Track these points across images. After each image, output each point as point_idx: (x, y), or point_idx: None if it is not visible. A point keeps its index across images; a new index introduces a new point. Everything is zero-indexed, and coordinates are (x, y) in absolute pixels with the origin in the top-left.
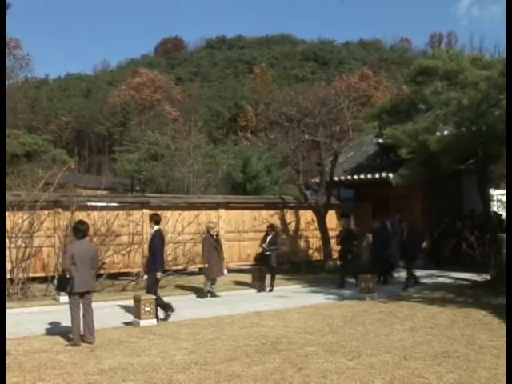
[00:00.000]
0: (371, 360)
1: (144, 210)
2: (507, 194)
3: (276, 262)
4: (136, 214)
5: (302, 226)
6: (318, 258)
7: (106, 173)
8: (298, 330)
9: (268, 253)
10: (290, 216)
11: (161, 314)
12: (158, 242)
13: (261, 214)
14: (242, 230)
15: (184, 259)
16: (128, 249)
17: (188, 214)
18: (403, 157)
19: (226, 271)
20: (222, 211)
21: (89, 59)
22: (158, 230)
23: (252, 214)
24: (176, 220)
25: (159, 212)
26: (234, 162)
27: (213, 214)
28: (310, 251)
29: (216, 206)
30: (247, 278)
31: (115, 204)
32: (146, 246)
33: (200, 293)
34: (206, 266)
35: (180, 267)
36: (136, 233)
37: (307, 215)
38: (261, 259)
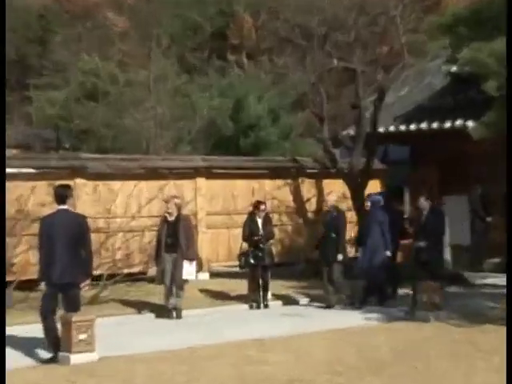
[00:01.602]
0: None
1: (77, 180)
2: (507, 192)
3: (272, 260)
4: None
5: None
6: (352, 254)
7: (16, 121)
8: (320, 369)
9: (262, 245)
10: (308, 188)
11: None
12: (41, 232)
13: (263, 185)
14: (232, 210)
15: (142, 257)
16: None
17: (148, 186)
18: (490, 94)
19: (194, 275)
20: (200, 181)
21: None
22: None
23: (249, 186)
24: (129, 195)
25: (101, 183)
26: (221, 103)
27: (187, 185)
28: None
29: (192, 174)
30: (241, 286)
31: (31, 170)
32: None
33: (162, 310)
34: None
35: (135, 270)
36: None
37: (335, 187)
38: (254, 257)
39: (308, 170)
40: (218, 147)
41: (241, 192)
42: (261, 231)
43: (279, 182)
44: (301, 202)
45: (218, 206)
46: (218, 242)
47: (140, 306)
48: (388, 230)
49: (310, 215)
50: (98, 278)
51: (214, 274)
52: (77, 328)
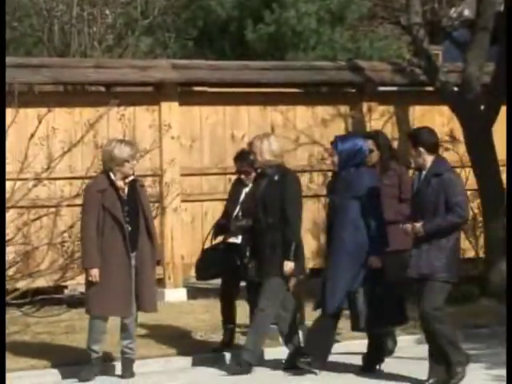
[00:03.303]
0: None
1: None
2: (507, 192)
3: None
4: None
5: None
6: (471, 255)
7: None
8: None
9: (238, 239)
10: (381, 124)
11: None
12: None
13: (291, 116)
14: (233, 166)
15: (54, 258)
16: None
17: (65, 119)
18: None
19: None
20: (170, 109)
21: None
22: None
23: (264, 119)
24: (28, 138)
25: None
26: None
27: (142, 116)
28: None
29: (153, 94)
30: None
31: None
32: None
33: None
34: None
35: (41, 283)
36: None
37: (435, 119)
38: (223, 263)
39: (381, 88)
40: (204, 42)
41: (249, 130)
42: (237, 209)
43: (323, 110)
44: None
45: (205, 158)
46: (206, 229)
47: (47, 355)
48: (378, 215)
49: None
50: None
51: (197, 291)
52: None
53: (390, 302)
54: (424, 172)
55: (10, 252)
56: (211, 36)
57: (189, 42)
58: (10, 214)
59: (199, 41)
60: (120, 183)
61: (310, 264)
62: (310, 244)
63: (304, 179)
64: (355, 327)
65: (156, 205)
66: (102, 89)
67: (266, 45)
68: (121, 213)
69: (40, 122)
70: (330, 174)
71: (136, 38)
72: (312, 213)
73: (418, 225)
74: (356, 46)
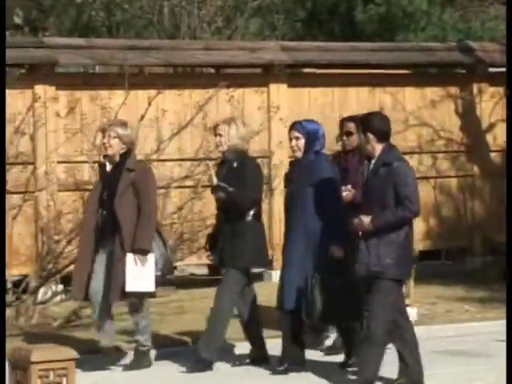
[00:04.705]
0: None
1: (38, 87)
2: (507, 191)
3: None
4: (17, 100)
5: None
6: None
7: None
8: None
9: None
10: (491, 105)
11: None
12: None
13: (400, 97)
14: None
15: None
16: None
17: (174, 101)
18: None
19: (152, 283)
20: (278, 90)
21: None
22: None
23: (373, 100)
24: (140, 119)
25: (83, 93)
26: None
27: (251, 98)
28: None
29: (261, 76)
30: None
31: None
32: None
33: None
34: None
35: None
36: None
37: None
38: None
39: (492, 70)
40: (312, 24)
41: (357, 112)
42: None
43: (433, 91)
44: (478, 133)
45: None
46: None
47: (156, 336)
48: (337, 204)
49: (497, 158)
50: None
51: None
52: (41, 376)
53: (349, 295)
54: (373, 161)
55: None
56: (320, 17)
57: (298, 23)
58: None
59: (308, 22)
60: (109, 167)
61: (419, 246)
62: (420, 226)
63: (413, 161)
64: (308, 317)
65: (264, 187)
66: (212, 70)
67: (375, 26)
68: (96, 196)
69: (150, 104)
70: (439, 155)
71: (245, 19)
72: (421, 195)
73: (367, 219)
74: (467, 26)
